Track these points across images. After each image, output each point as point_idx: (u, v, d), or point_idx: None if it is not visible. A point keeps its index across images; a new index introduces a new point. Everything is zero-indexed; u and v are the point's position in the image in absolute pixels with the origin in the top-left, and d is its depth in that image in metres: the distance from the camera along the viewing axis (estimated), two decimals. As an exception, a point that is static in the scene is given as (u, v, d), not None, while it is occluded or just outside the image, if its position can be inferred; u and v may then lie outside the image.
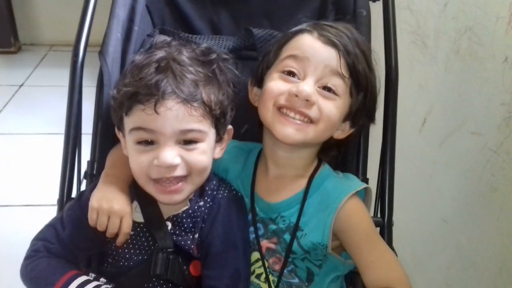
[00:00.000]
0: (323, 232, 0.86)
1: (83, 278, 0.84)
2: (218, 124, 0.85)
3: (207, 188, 0.90)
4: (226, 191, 0.92)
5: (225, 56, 0.92)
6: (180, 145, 0.81)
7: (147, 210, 0.88)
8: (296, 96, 0.83)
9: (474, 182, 1.17)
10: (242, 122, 0.93)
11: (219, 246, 0.85)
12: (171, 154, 0.79)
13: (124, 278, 0.86)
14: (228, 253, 0.85)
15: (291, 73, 0.86)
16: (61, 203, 0.98)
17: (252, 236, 0.91)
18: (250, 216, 0.92)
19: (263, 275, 0.90)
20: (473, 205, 1.20)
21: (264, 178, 0.95)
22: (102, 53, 0.97)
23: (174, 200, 0.84)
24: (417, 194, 1.46)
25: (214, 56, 0.87)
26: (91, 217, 0.85)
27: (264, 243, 0.91)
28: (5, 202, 1.99)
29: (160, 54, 0.83)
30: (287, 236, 0.88)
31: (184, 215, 0.88)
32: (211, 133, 0.84)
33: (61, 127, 1.00)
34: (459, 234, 1.25)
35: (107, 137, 0.98)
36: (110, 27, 1.00)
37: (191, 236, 0.87)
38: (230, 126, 0.91)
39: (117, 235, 0.86)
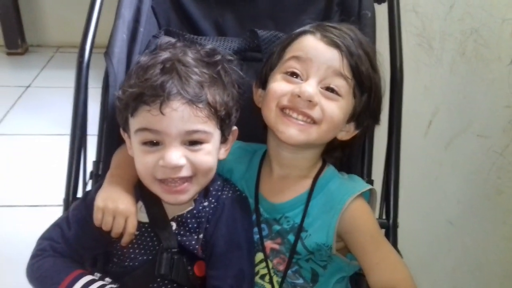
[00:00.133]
0: (328, 233, 0.86)
1: (88, 277, 0.84)
2: (223, 125, 0.85)
3: (211, 189, 0.90)
4: (231, 191, 0.92)
5: (230, 58, 0.92)
6: (186, 146, 0.81)
7: (152, 210, 0.88)
8: (299, 96, 0.83)
9: (479, 185, 1.16)
10: (247, 123, 0.93)
11: (223, 246, 0.85)
12: (176, 155, 0.80)
13: (129, 278, 0.86)
14: (232, 253, 0.85)
15: (294, 74, 0.86)
16: (67, 203, 0.99)
17: (256, 236, 0.91)
18: (254, 217, 0.92)
19: (267, 276, 0.90)
20: (478, 208, 1.19)
21: (269, 178, 0.95)
22: (107, 54, 0.98)
23: (179, 200, 0.84)
24: (422, 196, 1.45)
25: (219, 57, 0.88)
26: (97, 217, 0.85)
27: (268, 244, 0.91)
28: (11, 202, 2.00)
29: (165, 55, 0.83)
30: (291, 237, 0.88)
31: (188, 215, 0.88)
32: (216, 134, 0.84)
33: (67, 128, 1.01)
34: (465, 236, 1.25)
35: (112, 137, 0.99)
36: (116, 28, 1.01)
37: (195, 237, 0.87)
38: (234, 127, 0.91)
39: (122, 235, 0.86)
